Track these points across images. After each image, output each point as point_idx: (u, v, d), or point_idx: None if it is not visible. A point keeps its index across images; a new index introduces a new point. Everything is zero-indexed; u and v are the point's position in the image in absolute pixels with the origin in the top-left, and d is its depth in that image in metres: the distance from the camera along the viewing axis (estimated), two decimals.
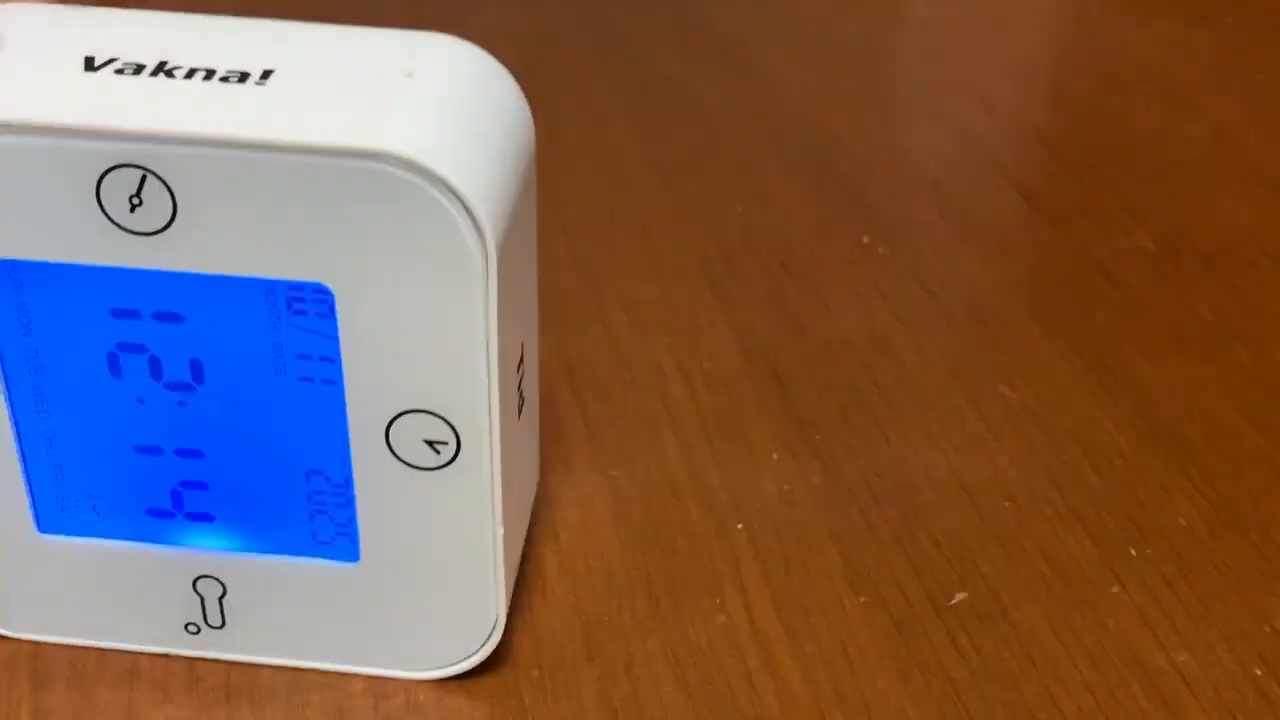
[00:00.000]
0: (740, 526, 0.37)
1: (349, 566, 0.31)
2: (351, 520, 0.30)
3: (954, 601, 0.35)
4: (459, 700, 0.32)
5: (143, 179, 0.26)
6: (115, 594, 0.32)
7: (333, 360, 0.28)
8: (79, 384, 0.30)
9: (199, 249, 0.27)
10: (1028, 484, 0.39)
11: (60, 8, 0.30)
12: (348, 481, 0.30)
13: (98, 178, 0.27)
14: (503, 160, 0.28)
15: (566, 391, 0.41)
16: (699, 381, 0.42)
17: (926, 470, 0.39)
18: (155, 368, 0.29)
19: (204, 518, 0.31)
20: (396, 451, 0.29)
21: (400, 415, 0.29)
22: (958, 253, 0.49)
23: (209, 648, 0.32)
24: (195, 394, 0.29)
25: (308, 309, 0.28)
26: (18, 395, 0.30)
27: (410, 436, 0.29)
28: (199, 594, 0.32)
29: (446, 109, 0.28)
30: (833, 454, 0.39)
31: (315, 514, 0.30)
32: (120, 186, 0.27)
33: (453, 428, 0.29)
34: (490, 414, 0.28)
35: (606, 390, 0.42)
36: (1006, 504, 0.38)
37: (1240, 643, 0.34)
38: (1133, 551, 0.36)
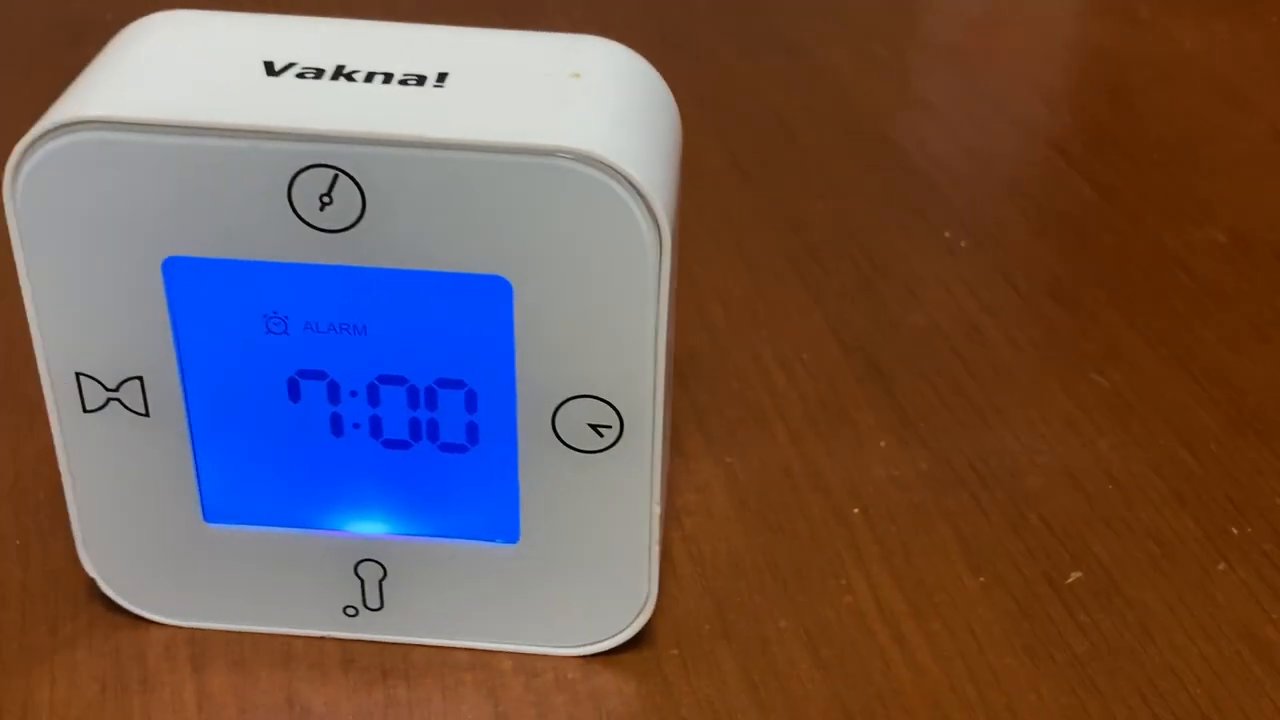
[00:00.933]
0: (856, 511, 0.38)
1: (509, 548, 0.32)
2: (514, 503, 0.31)
3: (1070, 580, 0.36)
4: (606, 677, 0.33)
5: (334, 179, 0.28)
6: (277, 579, 0.33)
7: (507, 350, 0.30)
8: (253, 377, 0.31)
9: (384, 245, 0.28)
10: (1128, 467, 0.40)
11: (221, 14, 0.31)
12: (513, 465, 0.31)
13: (290, 177, 0.28)
14: (666, 154, 0.30)
15: (675, 382, 0.42)
16: (800, 372, 0.43)
17: (1030, 455, 0.40)
18: (331, 361, 0.30)
19: (369, 502, 0.32)
20: (561, 435, 0.30)
21: (567, 401, 0.30)
22: (1037, 246, 0.50)
23: (365, 630, 0.34)
24: (367, 385, 0.31)
25: (486, 301, 0.29)
26: (193, 389, 0.31)
27: (575, 421, 0.30)
28: (359, 577, 0.33)
29: (616, 107, 0.29)
30: (938, 440, 0.41)
31: (479, 497, 0.32)
32: (312, 186, 0.28)
33: (617, 411, 0.30)
34: (655, 397, 0.30)
35: (712, 381, 0.43)
36: (1110, 487, 0.39)
37: None
38: (1234, 530, 0.38)
